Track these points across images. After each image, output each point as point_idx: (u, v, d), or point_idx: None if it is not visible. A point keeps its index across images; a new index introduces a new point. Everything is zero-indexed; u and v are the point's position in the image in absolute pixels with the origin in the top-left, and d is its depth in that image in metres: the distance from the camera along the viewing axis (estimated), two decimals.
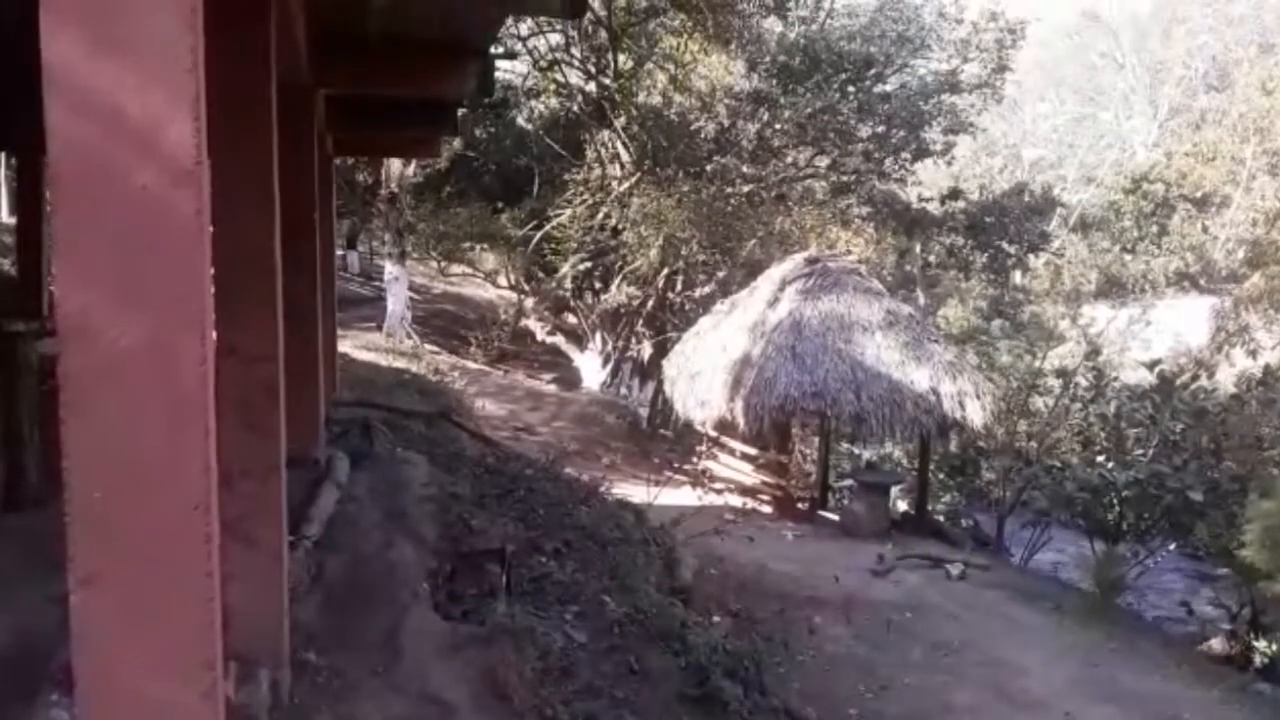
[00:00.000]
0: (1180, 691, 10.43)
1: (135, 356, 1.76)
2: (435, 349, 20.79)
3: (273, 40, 4.19)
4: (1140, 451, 15.10)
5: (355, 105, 7.78)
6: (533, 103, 22.35)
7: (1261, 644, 11.82)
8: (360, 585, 5.22)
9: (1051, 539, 15.83)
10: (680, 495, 15.30)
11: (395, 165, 19.66)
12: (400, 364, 15.88)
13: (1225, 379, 16.77)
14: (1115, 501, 14.56)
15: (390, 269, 20.29)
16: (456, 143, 19.83)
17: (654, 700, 5.22)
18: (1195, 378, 16.28)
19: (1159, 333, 25.12)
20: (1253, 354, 17.91)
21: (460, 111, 12.54)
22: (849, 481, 16.89)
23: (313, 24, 5.55)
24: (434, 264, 25.66)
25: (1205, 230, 35.31)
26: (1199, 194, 35.96)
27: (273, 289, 4.28)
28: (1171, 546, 14.82)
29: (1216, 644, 12.48)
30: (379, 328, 19.60)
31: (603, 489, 9.14)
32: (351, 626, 4.93)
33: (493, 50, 7.41)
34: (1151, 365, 16.36)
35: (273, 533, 4.18)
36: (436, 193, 21.31)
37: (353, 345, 15.85)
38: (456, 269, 26.02)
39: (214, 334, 1.92)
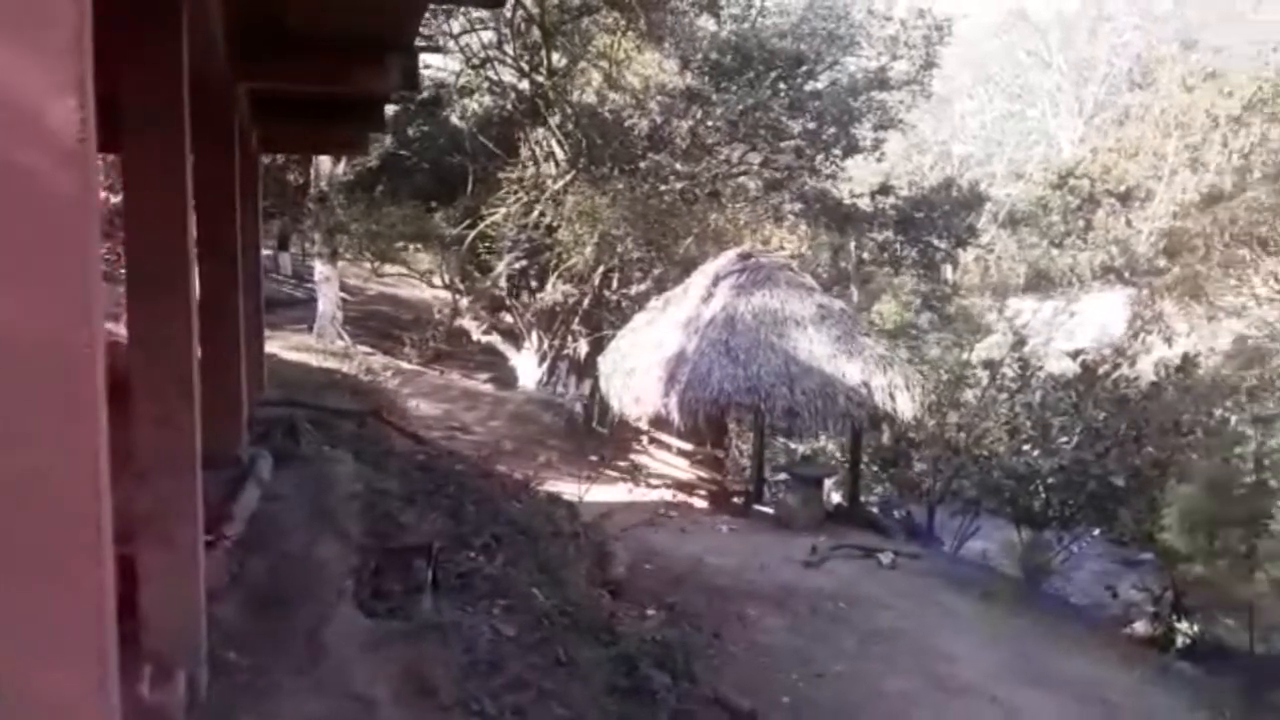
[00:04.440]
0: (1105, 673, 10.68)
1: (14, 345, 1.72)
2: (369, 349, 20.57)
3: (184, 30, 4.13)
4: (1065, 440, 15.41)
5: (280, 101, 7.68)
6: (465, 100, 22.19)
7: (1183, 626, 12.12)
8: (283, 583, 5.16)
9: (980, 527, 16.11)
10: (616, 491, 15.33)
11: (325, 164, 19.43)
12: (331, 364, 15.71)
13: (1146, 368, 17.15)
14: (1041, 489, 14.86)
15: (320, 269, 20.03)
16: (388, 141, 19.64)
17: (582, 691, 5.23)
18: (1117, 367, 16.62)
19: (1083, 324, 25.70)
20: (1169, 341, 18.40)
21: (389, 108, 12.46)
22: (783, 475, 17.03)
23: (231, 15, 5.47)
24: (368, 264, 25.38)
25: (1129, 224, 36.14)
26: (1123, 189, 36.79)
27: (186, 280, 4.20)
28: (1096, 532, 15.14)
29: (1140, 626, 12.76)
30: (310, 329, 19.34)
31: (535, 485, 9.13)
32: (273, 625, 4.87)
33: (419, 45, 7.36)
34: (1075, 355, 16.75)
35: (188, 531, 4.12)
36: (368, 192, 21.08)
37: (282, 346, 15.64)
38: (391, 269, 25.77)
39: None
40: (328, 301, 19.79)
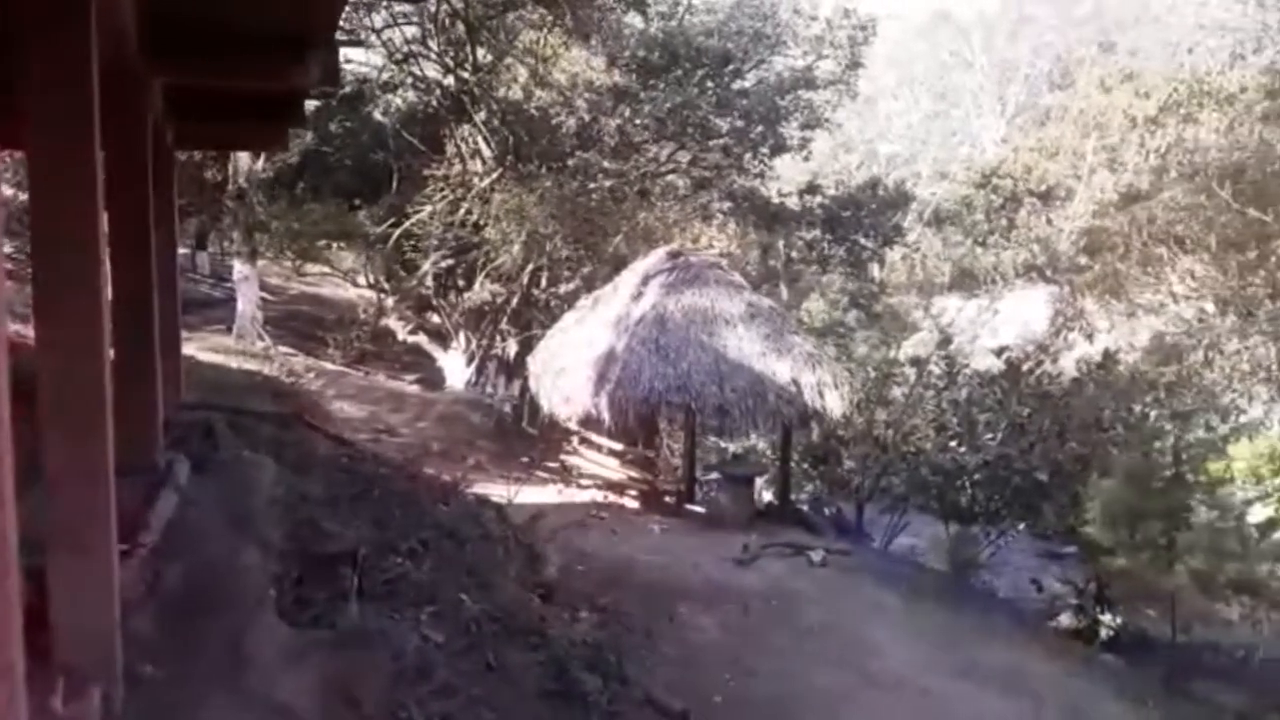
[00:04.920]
0: (1032, 665, 10.86)
1: None
2: (291, 351, 20.16)
3: (93, 22, 3.98)
4: (990, 436, 15.66)
5: (196, 96, 7.46)
6: (389, 96, 21.87)
7: (1106, 617, 12.37)
8: (201, 593, 5.00)
9: (909, 523, 16.31)
10: (546, 493, 15.23)
11: (244, 160, 18.99)
12: (251, 366, 15.37)
13: (1068, 364, 17.54)
14: (967, 485, 15.10)
15: (240, 268, 19.59)
16: (309, 137, 19.27)
17: (512, 696, 5.15)
18: (1040, 363, 16.98)
19: (1007, 321, 26.18)
20: (1089, 338, 18.83)
21: (310, 104, 12.20)
22: (715, 474, 17.06)
23: (143, 7, 5.29)
24: (289, 263, 24.89)
25: (1050, 223, 36.90)
26: (1044, 188, 37.54)
27: (96, 280, 4.05)
28: (1021, 526, 15.41)
29: (1065, 619, 13.00)
30: (230, 330, 18.91)
31: (463, 488, 9.01)
32: (192, 636, 4.71)
33: (339, 39, 7.20)
34: (999, 352, 17.05)
35: (102, 540, 3.99)
36: (289, 189, 20.65)
37: (200, 348, 15.26)
38: (313, 268, 25.31)
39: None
40: (247, 302, 19.36)
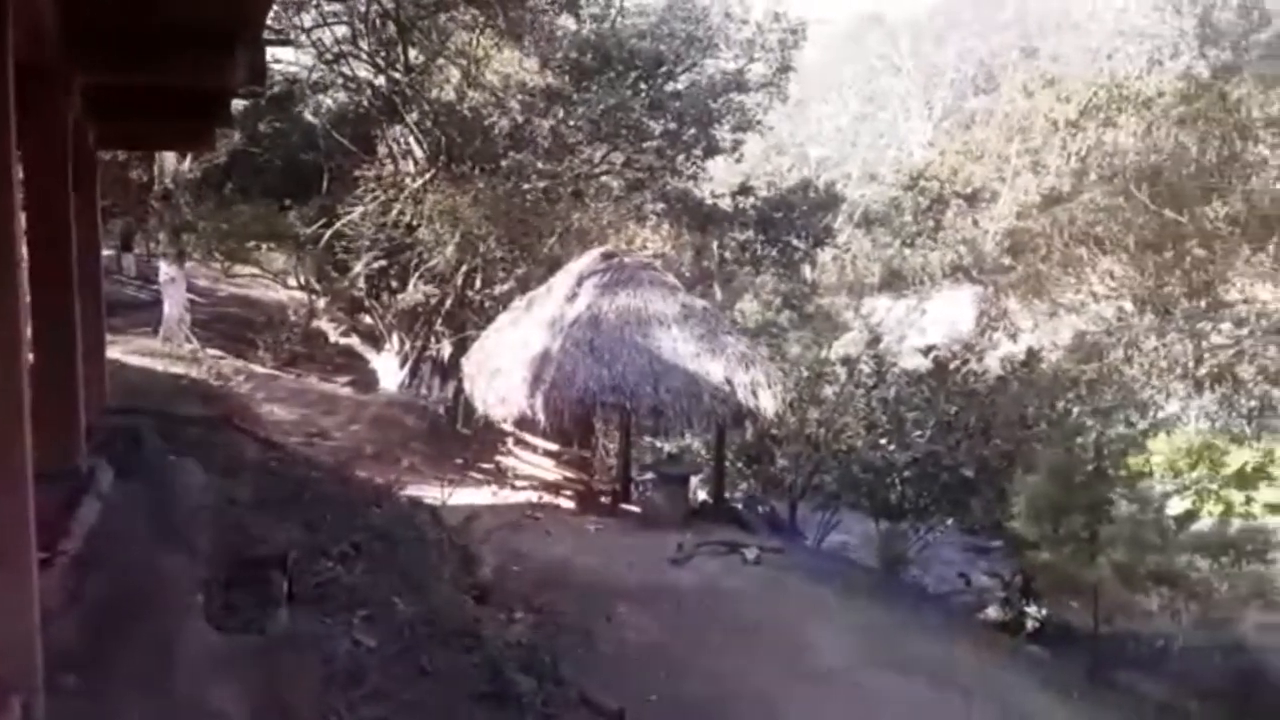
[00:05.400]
0: (960, 658, 11.08)
1: None
2: (220, 353, 19.80)
3: (9, 18, 3.91)
4: (919, 434, 15.95)
5: (119, 96, 7.31)
6: (319, 97, 21.60)
7: (1032, 610, 12.67)
8: (126, 601, 4.90)
9: (841, 520, 16.54)
10: (481, 494, 15.16)
11: (170, 160, 18.61)
12: (178, 369, 15.08)
13: (993, 363, 17.90)
14: (897, 482, 15.36)
15: (166, 270, 19.19)
16: (237, 137, 18.93)
17: (446, 700, 5.14)
18: (966, 362, 17.29)
19: (935, 321, 26.65)
20: (1013, 337, 19.26)
21: (238, 103, 12.03)
22: (650, 474, 17.13)
23: (63, 4, 5.19)
24: (217, 265, 24.44)
25: (976, 224, 37.61)
26: (969, 190, 38.27)
27: (14, 282, 3.97)
28: (949, 522, 15.70)
29: (992, 612, 13.28)
30: (156, 333, 18.52)
31: (396, 490, 8.95)
32: (117, 645, 4.62)
33: (267, 38, 7.12)
34: (927, 352, 17.36)
35: (21, 548, 3.91)
36: (217, 190, 20.29)
37: (126, 351, 14.93)
38: (243, 270, 24.90)
39: None
40: (174, 304, 18.97)
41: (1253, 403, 14.39)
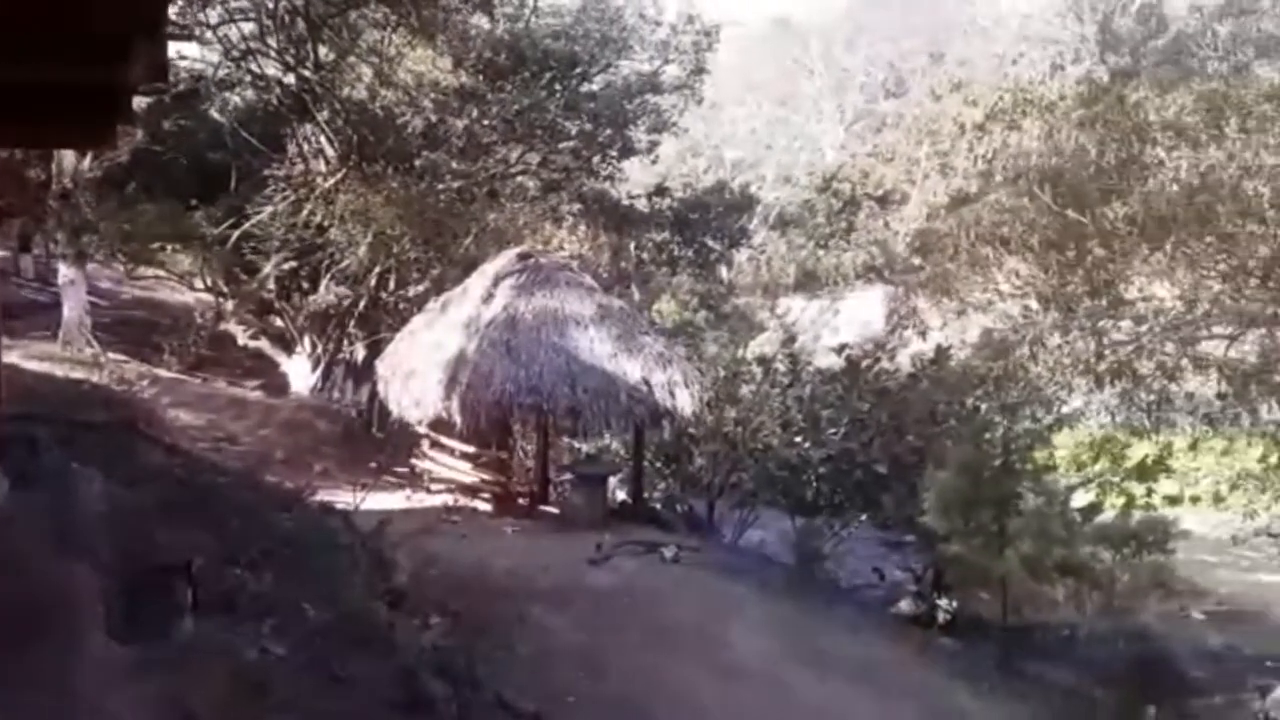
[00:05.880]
0: (874, 652, 11.29)
1: None
2: (123, 358, 19.21)
3: None
4: (833, 431, 16.16)
5: (9, 91, 7.02)
6: (227, 94, 21.09)
7: (943, 602, 12.94)
8: (21, 614, 4.71)
9: (758, 518, 16.68)
10: (396, 498, 14.98)
11: (69, 158, 18.02)
12: (79, 374, 14.62)
13: (905, 361, 18.21)
14: (812, 479, 15.55)
15: (65, 271, 18.58)
16: (140, 135, 18.39)
17: (357, 707, 5.05)
18: (878, 360, 17.57)
19: (848, 321, 27.10)
20: (923, 335, 19.64)
21: (140, 100, 11.68)
22: (568, 475, 17.09)
23: None
24: (120, 266, 23.71)
25: (887, 226, 38.34)
26: (880, 192, 39.04)
27: None
28: (863, 517, 15.93)
29: (905, 605, 13.54)
30: (56, 336, 17.92)
31: (307, 495, 8.77)
32: (13, 659, 4.44)
33: (169, 32, 6.89)
34: (840, 350, 17.59)
35: None
36: (119, 189, 19.68)
37: (23, 355, 14.42)
38: (148, 271, 24.18)
39: None
40: (74, 307, 18.37)
41: (1151, 397, 14.89)
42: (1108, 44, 39.81)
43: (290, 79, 20.21)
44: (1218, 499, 17.01)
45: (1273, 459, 14.42)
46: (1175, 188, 9.15)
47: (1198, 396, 15.61)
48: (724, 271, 32.09)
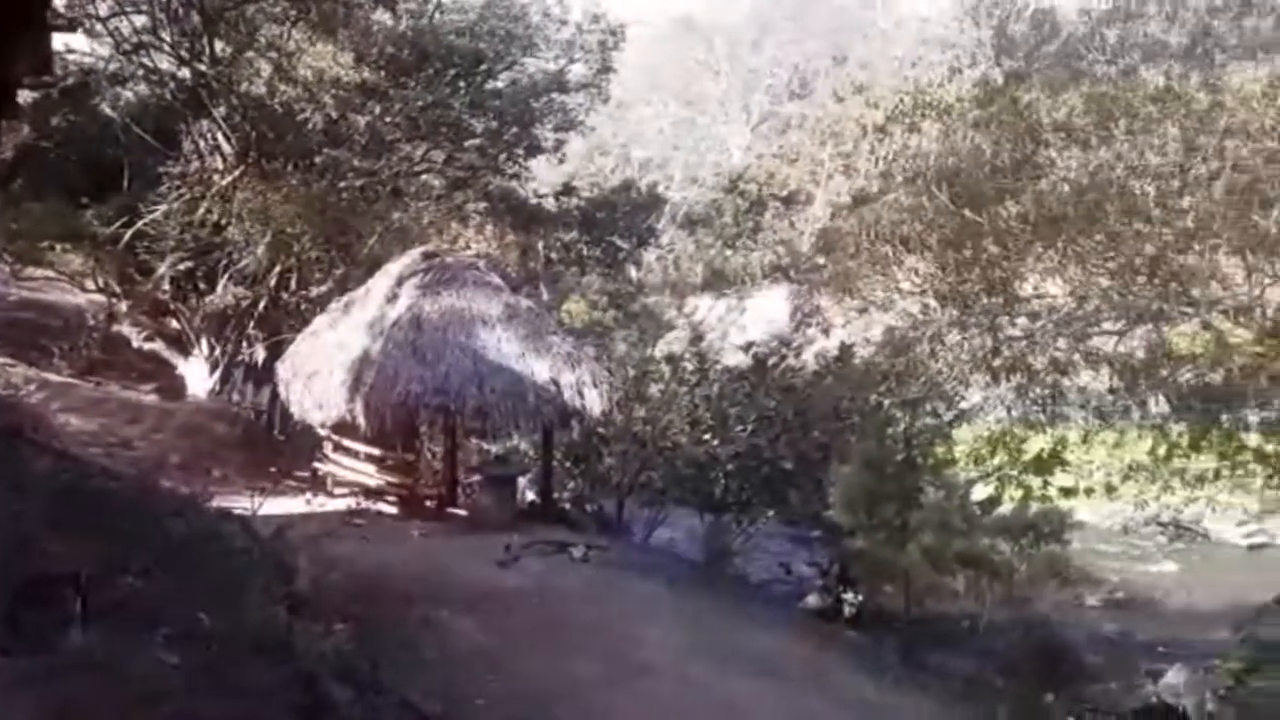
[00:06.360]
0: (782, 646, 11.41)
1: None
2: (10, 361, 18.46)
3: None
4: (741, 428, 16.33)
5: None
6: (119, 89, 20.41)
7: (849, 596, 13.15)
8: None
9: (668, 516, 16.76)
10: (297, 502, 14.69)
11: None
12: None
13: (811, 358, 18.47)
14: (721, 476, 15.70)
15: None
16: (26, 131, 17.68)
17: (257, 715, 4.92)
18: (784, 358, 17.80)
19: (755, 319, 27.38)
20: (826, 333, 19.96)
21: (25, 95, 11.19)
22: (477, 476, 16.96)
23: None
24: (6, 266, 22.77)
25: (792, 225, 38.89)
26: (786, 193, 39.58)
27: None
28: (771, 514, 16.13)
29: (812, 599, 13.73)
30: None
31: (204, 500, 8.54)
32: None
33: (55, 24, 6.64)
34: (747, 348, 17.77)
35: None
36: (4, 187, 18.90)
37: None
38: (36, 272, 23.26)
39: None
40: None
41: (1045, 392, 15.33)
42: (1003, 48, 40.93)
43: (185, 73, 19.64)
44: (1110, 490, 17.56)
45: (1161, 451, 14.94)
46: (1066, 187, 9.44)
47: (1089, 391, 16.11)
48: (633, 271, 32.19)
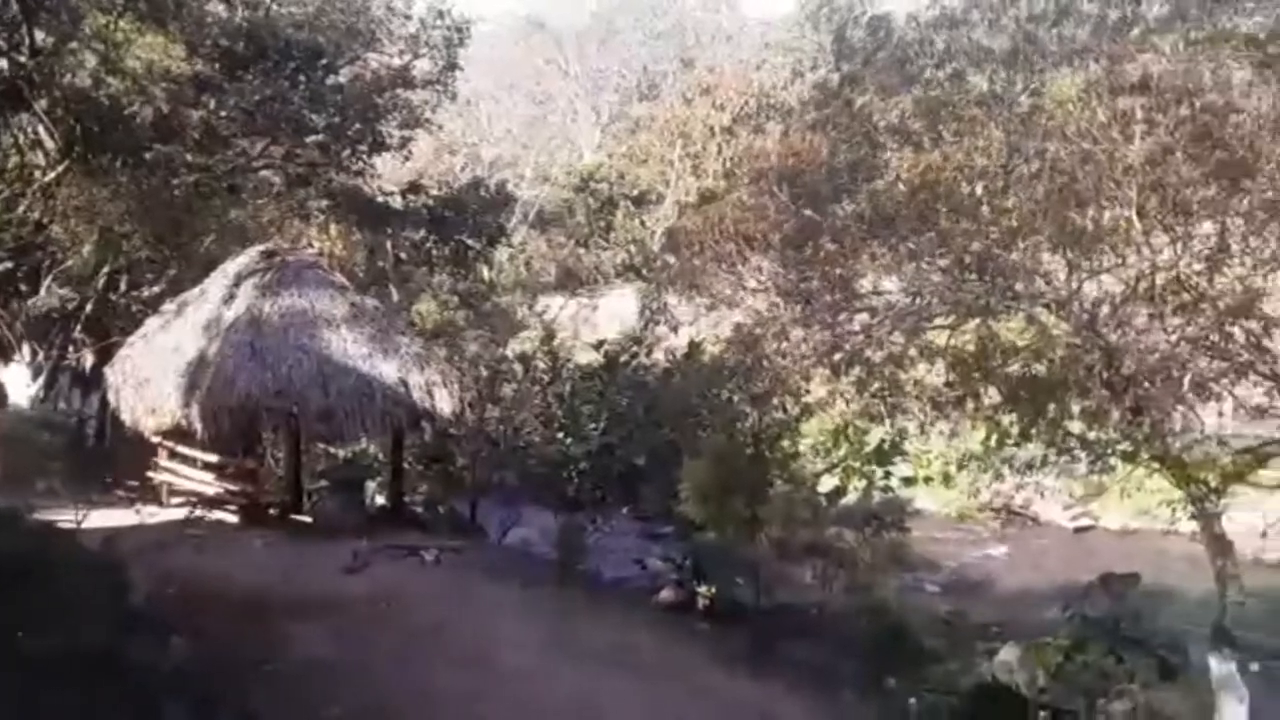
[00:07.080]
0: (637, 640, 11.51)
1: None
2: None
3: None
4: (594, 426, 16.37)
5: None
6: None
7: (702, 589, 13.33)
8: None
9: (522, 515, 16.68)
10: (129, 514, 14.00)
11: None
12: None
13: (662, 356, 18.66)
14: (574, 474, 15.72)
15: None
16: None
17: None
18: (634, 356, 17.94)
19: (607, 317, 27.52)
20: (674, 330, 20.21)
21: None
22: (323, 481, 16.55)
23: None
24: None
25: (643, 224, 39.19)
26: (636, 192, 39.86)
27: None
28: (624, 510, 16.23)
29: (666, 594, 13.85)
30: None
31: (26, 514, 8.07)
32: None
33: None
34: (598, 346, 17.84)
35: None
36: None
37: None
38: None
39: None
40: None
41: (883, 384, 15.82)
42: (842, 53, 42.10)
43: (3, 65, 18.52)
44: (947, 479, 18.28)
45: (993, 441, 15.63)
46: (900, 187, 9.77)
47: (926, 383, 16.72)
48: (485, 270, 31.87)
